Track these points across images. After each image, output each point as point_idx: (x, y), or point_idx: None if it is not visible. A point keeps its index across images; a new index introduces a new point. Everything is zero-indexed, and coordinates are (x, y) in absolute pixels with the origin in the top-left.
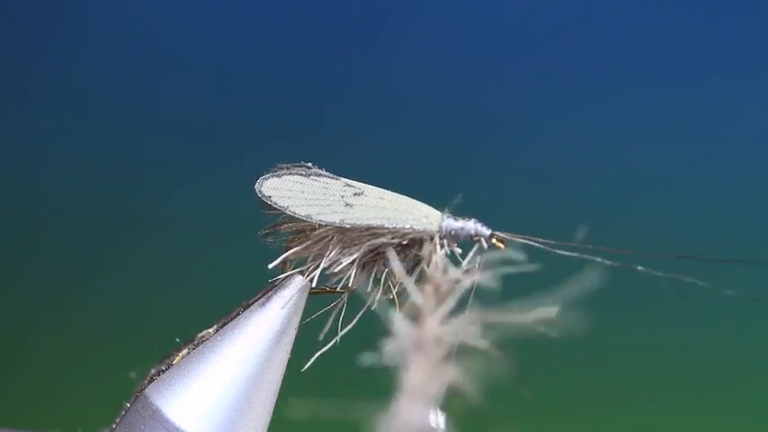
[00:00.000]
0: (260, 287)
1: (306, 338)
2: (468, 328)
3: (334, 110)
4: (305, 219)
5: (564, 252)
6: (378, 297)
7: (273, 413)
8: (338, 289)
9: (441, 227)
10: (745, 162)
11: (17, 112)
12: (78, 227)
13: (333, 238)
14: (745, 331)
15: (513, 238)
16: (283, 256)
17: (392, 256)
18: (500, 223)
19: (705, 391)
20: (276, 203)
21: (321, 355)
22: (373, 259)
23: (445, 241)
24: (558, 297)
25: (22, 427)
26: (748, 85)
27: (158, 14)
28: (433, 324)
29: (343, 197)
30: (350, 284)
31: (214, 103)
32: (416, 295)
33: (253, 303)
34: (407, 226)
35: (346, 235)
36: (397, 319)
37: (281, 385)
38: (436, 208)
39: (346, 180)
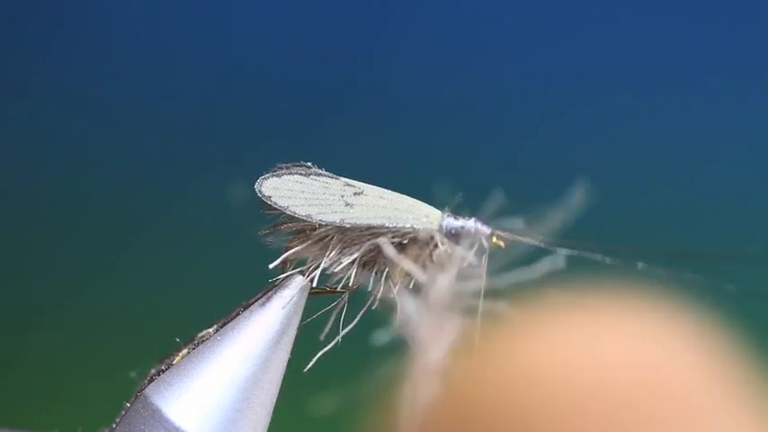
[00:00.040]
0: (260, 287)
1: (306, 338)
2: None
3: (334, 110)
4: (305, 218)
5: (563, 250)
6: (379, 296)
7: (273, 413)
8: (339, 289)
9: (441, 226)
10: (745, 162)
11: (17, 112)
12: (78, 227)
13: (333, 237)
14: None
15: (513, 237)
16: (283, 256)
17: (384, 241)
18: (500, 223)
19: None
20: (276, 203)
21: (322, 355)
22: (374, 259)
23: (445, 240)
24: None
25: (22, 427)
26: (748, 85)
27: (159, 14)
28: (438, 289)
29: (343, 197)
30: (350, 284)
31: (214, 103)
32: (415, 271)
33: (253, 303)
34: (408, 225)
35: (346, 235)
36: (402, 295)
37: (281, 385)
38: (436, 207)
39: (346, 179)
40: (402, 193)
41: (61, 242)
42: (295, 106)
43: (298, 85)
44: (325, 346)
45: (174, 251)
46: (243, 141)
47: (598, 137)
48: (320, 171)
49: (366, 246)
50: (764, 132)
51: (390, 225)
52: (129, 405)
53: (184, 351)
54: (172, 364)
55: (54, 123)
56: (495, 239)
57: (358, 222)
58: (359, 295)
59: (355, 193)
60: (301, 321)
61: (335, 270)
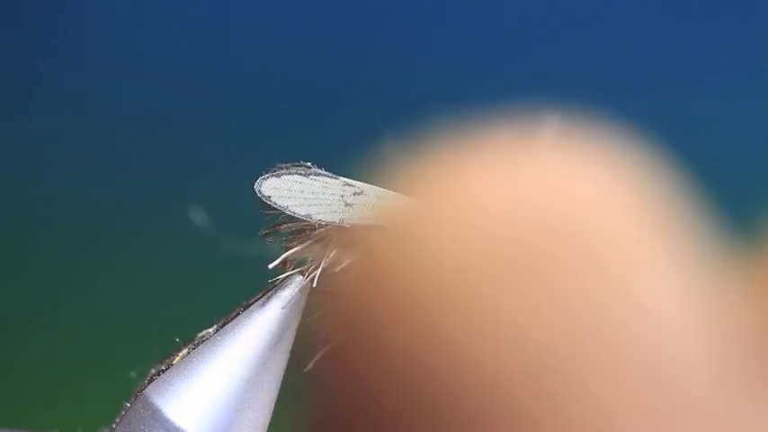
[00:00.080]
0: (260, 287)
1: (306, 338)
2: None
3: (334, 110)
4: (305, 218)
5: None
6: None
7: (273, 413)
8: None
9: None
10: (744, 162)
11: (17, 112)
12: (78, 227)
13: (333, 237)
14: None
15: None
16: (283, 255)
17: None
18: None
19: None
20: (276, 203)
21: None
22: None
23: None
24: None
25: (22, 427)
26: (748, 85)
27: (159, 14)
28: None
29: (342, 197)
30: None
31: (214, 102)
32: None
33: (253, 303)
34: None
35: (346, 235)
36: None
37: (281, 385)
38: None
39: (346, 179)
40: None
41: (61, 242)
42: (295, 106)
43: (298, 84)
44: (326, 345)
45: (173, 251)
46: (243, 141)
47: None
48: (320, 171)
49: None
50: (764, 132)
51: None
52: (129, 405)
53: (184, 351)
54: (172, 364)
55: (54, 123)
56: None
57: (358, 222)
58: None
59: (355, 193)
60: (301, 321)
61: (335, 270)
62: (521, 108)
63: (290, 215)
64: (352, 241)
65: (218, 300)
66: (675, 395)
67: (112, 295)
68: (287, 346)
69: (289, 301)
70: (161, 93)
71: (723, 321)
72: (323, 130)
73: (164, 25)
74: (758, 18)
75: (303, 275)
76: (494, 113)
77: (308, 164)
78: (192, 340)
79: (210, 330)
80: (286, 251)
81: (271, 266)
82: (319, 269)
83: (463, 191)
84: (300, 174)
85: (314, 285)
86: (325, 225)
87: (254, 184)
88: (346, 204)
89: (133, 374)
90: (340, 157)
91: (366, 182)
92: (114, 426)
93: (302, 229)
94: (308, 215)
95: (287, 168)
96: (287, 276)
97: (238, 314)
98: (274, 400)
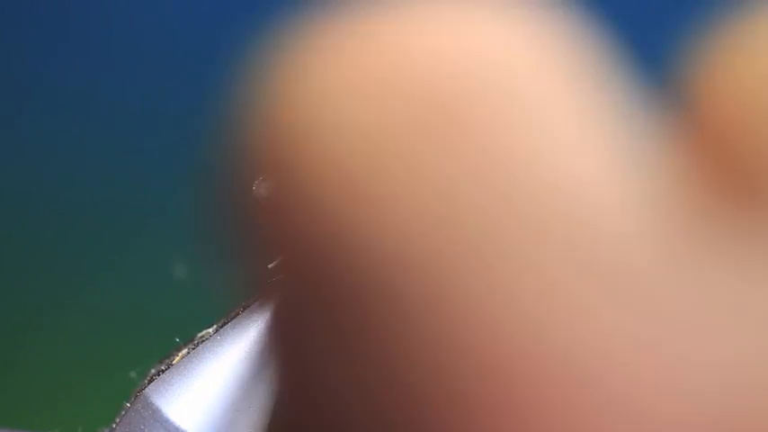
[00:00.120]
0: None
1: None
2: None
3: None
4: None
5: None
6: None
7: None
8: None
9: None
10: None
11: (17, 112)
12: (78, 227)
13: None
14: None
15: None
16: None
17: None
18: None
19: None
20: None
21: None
22: None
23: None
24: None
25: (22, 427)
26: None
27: (159, 14)
28: None
29: None
30: None
31: (214, 102)
32: None
33: (253, 303)
34: None
35: None
36: None
37: None
38: None
39: None
40: None
41: (61, 242)
42: None
43: None
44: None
45: (173, 251)
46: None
47: None
48: None
49: None
50: None
51: None
52: (129, 405)
53: (184, 351)
54: (172, 364)
55: (54, 123)
56: None
57: None
58: None
59: None
60: None
61: None
62: None
63: None
64: None
65: (218, 300)
66: (613, 272)
67: (112, 295)
68: None
69: None
70: (161, 93)
71: (657, 193)
72: None
73: (164, 25)
74: None
75: None
76: None
77: None
78: (192, 340)
79: (210, 330)
80: None
81: (270, 267)
82: None
83: (370, 48)
84: None
85: None
86: None
87: (252, 186)
88: None
89: (133, 374)
90: None
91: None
92: (114, 426)
93: None
94: None
95: None
96: None
97: (238, 314)
98: None
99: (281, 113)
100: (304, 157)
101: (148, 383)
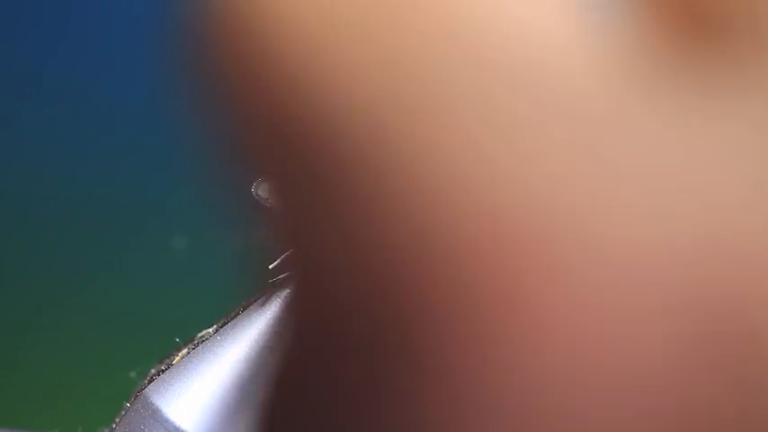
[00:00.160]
0: (260, 287)
1: None
2: None
3: None
4: None
5: None
6: None
7: None
8: None
9: None
10: None
11: (17, 112)
12: (78, 227)
13: None
14: None
15: None
16: (283, 256)
17: None
18: None
19: None
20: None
21: None
22: None
23: None
24: None
25: (22, 427)
26: None
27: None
28: None
29: None
30: None
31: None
32: None
33: (252, 303)
34: None
35: None
36: None
37: None
38: None
39: None
40: None
41: (61, 242)
42: None
43: None
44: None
45: (173, 251)
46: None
47: None
48: None
49: None
50: None
51: None
52: (129, 405)
53: (184, 351)
54: (172, 364)
55: (54, 122)
56: None
57: None
58: None
59: None
60: None
61: None
62: None
63: None
64: None
65: (218, 300)
66: (561, 111)
67: (112, 295)
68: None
69: None
70: (161, 93)
71: (609, 30)
72: None
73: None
74: None
75: None
76: None
77: None
78: (192, 340)
79: (210, 330)
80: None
81: (271, 267)
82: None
83: None
84: None
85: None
86: None
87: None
88: None
89: (133, 374)
90: None
91: None
92: (114, 426)
93: None
94: None
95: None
96: (287, 276)
97: (238, 314)
98: None
99: None
100: (269, 20)
101: (148, 383)
